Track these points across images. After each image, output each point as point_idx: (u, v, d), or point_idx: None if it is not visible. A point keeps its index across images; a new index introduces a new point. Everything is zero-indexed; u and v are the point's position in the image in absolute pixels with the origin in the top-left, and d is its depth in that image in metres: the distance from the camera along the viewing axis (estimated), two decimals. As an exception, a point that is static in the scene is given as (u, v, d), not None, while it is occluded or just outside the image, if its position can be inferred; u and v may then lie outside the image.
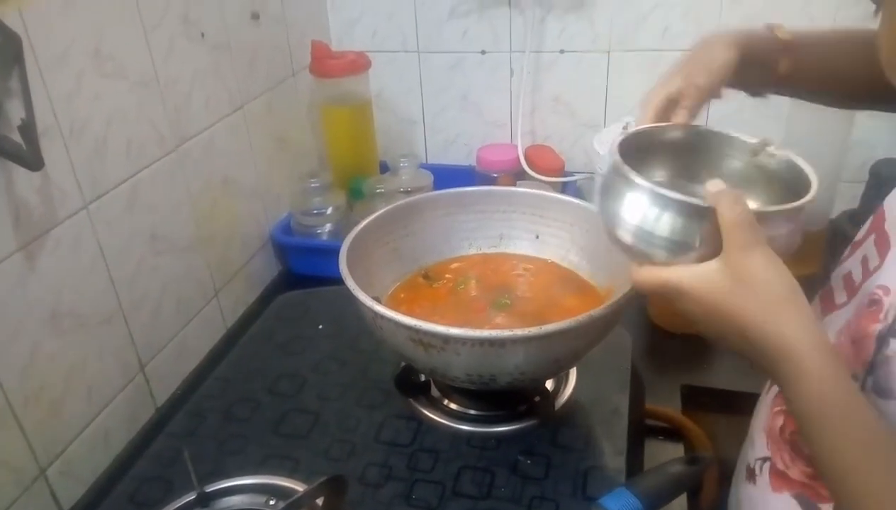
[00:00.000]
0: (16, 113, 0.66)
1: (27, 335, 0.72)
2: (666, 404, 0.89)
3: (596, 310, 0.63)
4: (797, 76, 0.68)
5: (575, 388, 0.77)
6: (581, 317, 0.62)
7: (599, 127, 1.30)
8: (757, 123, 1.24)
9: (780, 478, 0.61)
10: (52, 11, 0.72)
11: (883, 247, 0.55)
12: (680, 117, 0.63)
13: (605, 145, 1.14)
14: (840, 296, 0.59)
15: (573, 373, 0.79)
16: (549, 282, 0.83)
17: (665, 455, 0.86)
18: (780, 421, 0.61)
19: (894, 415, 0.49)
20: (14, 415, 0.71)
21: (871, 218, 0.60)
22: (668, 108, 0.64)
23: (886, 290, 0.52)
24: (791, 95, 0.77)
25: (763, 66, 0.66)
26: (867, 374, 0.51)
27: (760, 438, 0.65)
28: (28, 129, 0.66)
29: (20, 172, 0.68)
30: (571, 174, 1.31)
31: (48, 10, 0.71)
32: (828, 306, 0.61)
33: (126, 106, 0.84)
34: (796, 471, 0.59)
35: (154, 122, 0.89)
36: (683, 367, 0.98)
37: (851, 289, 0.58)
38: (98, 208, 0.80)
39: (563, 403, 0.76)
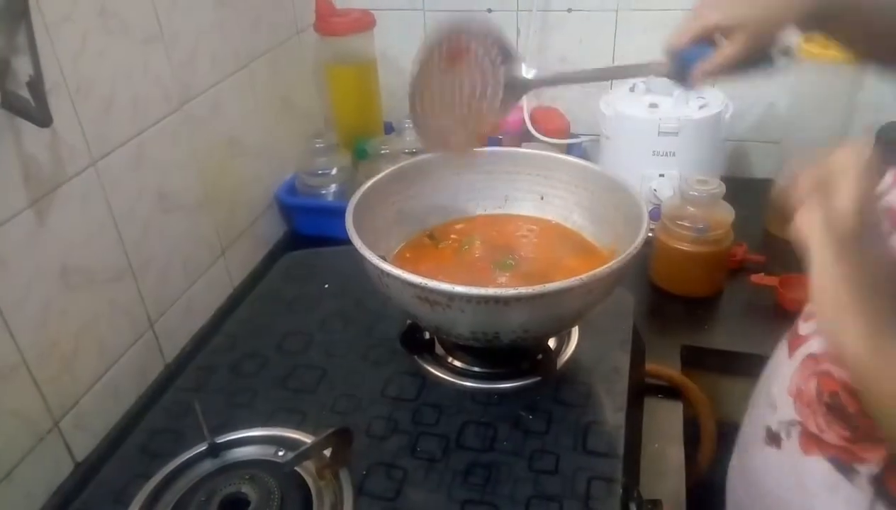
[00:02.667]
0: (23, 69, 0.66)
1: (39, 291, 0.73)
2: (666, 364, 0.91)
3: (598, 270, 0.64)
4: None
5: (577, 347, 0.79)
6: (584, 276, 0.63)
7: (606, 88, 1.29)
8: (763, 87, 1.24)
9: (812, 442, 0.60)
10: (57, -33, 0.71)
11: None
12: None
13: (610, 107, 1.14)
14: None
15: (575, 331, 0.80)
16: (553, 243, 0.84)
17: (664, 413, 0.88)
18: (812, 384, 0.61)
19: None
20: (28, 368, 0.72)
21: (893, 172, 0.59)
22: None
23: None
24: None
25: None
26: None
27: (785, 402, 0.64)
28: (36, 85, 0.67)
29: (29, 129, 0.68)
30: (577, 136, 1.31)
31: (52, -34, 0.71)
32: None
33: (131, 64, 0.84)
34: (832, 435, 0.58)
35: (160, 80, 0.89)
36: (684, 328, 1.00)
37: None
38: (106, 165, 0.80)
39: (565, 361, 0.77)
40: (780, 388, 0.65)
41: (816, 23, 0.62)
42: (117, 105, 0.82)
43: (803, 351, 0.64)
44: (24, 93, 0.66)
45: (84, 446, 0.80)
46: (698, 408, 0.89)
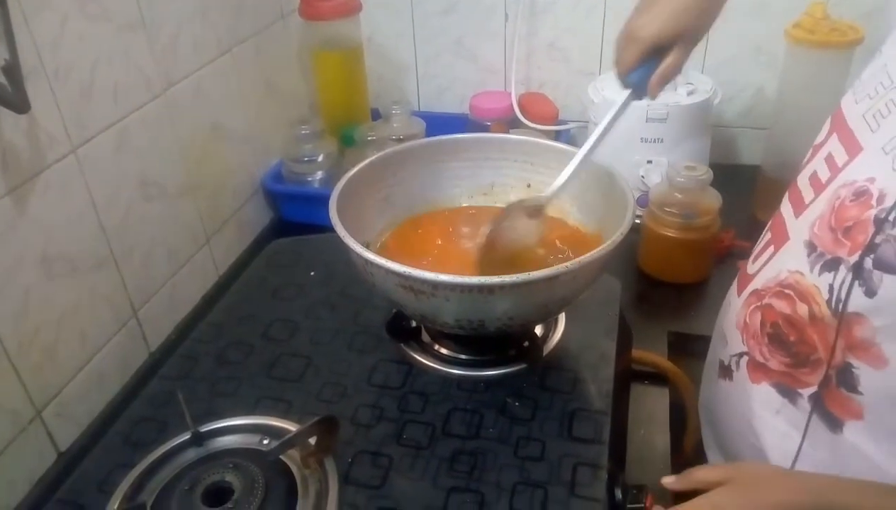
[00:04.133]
0: (-1, 54, 0.65)
1: (19, 279, 0.72)
2: (653, 350, 0.91)
3: (583, 258, 0.64)
4: None
5: (563, 334, 0.79)
6: (569, 263, 0.63)
7: (595, 74, 1.28)
8: (752, 72, 1.24)
9: (758, 370, 0.65)
10: (33, -50, 0.70)
11: (850, 143, 0.60)
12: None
13: (598, 93, 1.13)
14: (808, 195, 0.63)
15: (562, 318, 0.80)
16: (540, 230, 0.83)
17: (650, 400, 0.88)
18: (757, 317, 0.65)
19: (892, 289, 0.53)
20: (8, 357, 0.72)
21: (828, 120, 0.65)
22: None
23: (872, 180, 0.56)
24: None
25: None
26: (865, 255, 0.55)
27: (734, 335, 0.69)
28: (13, 70, 0.65)
29: (6, 115, 0.67)
30: (565, 122, 1.30)
31: (29, -51, 0.69)
32: (798, 207, 0.65)
33: (112, 49, 0.82)
34: (775, 362, 0.63)
35: (141, 66, 0.87)
36: (670, 314, 1.00)
37: (819, 186, 0.62)
38: (86, 152, 0.79)
39: (552, 348, 0.77)
40: (730, 324, 0.70)
41: None
42: (98, 91, 0.80)
43: (750, 288, 0.68)
44: (1, 78, 0.64)
45: (67, 435, 0.80)
46: (685, 394, 0.89)
